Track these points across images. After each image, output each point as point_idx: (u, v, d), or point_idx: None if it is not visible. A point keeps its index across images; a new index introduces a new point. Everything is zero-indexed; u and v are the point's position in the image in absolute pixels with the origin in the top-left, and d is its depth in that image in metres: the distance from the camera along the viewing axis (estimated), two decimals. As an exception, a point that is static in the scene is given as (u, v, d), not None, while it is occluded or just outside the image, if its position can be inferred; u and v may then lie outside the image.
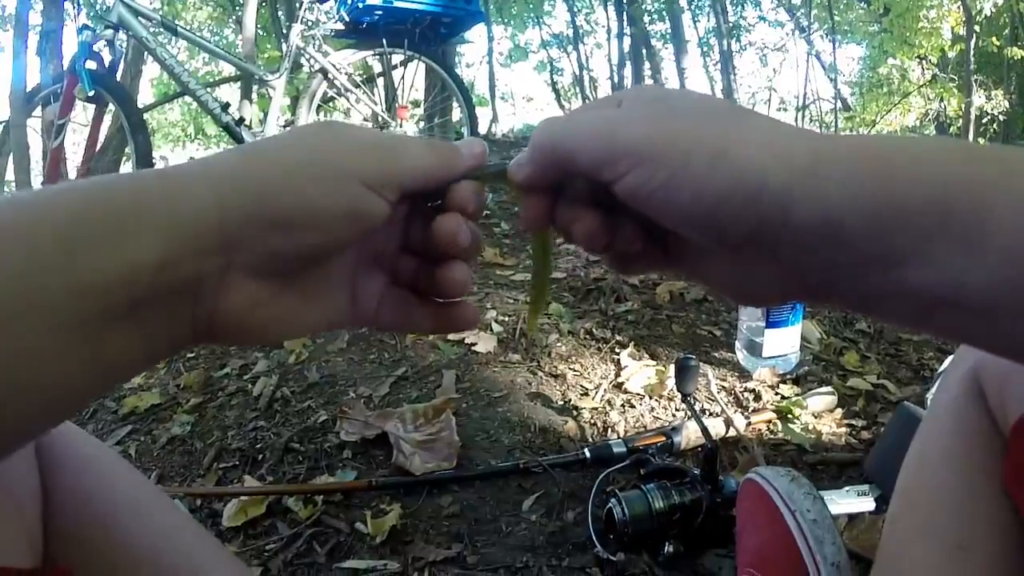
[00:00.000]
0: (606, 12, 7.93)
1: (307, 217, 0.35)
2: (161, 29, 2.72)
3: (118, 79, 2.69)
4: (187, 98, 2.89)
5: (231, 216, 0.33)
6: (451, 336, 1.68)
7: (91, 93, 2.52)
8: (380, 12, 2.82)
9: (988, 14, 6.60)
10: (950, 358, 0.93)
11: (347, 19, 2.87)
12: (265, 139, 0.39)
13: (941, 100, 6.62)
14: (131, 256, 0.31)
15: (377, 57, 2.96)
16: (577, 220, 0.39)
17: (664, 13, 9.06)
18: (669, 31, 8.40)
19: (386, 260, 0.44)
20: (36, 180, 2.61)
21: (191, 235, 0.33)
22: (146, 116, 2.72)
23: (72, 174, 2.70)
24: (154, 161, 2.64)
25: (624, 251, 0.40)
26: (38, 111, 2.76)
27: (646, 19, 8.80)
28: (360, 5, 2.76)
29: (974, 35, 5.96)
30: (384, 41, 2.85)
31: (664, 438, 1.23)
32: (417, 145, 0.39)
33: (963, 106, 5.72)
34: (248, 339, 0.38)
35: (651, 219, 0.36)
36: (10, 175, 2.65)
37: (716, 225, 0.33)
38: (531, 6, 10.78)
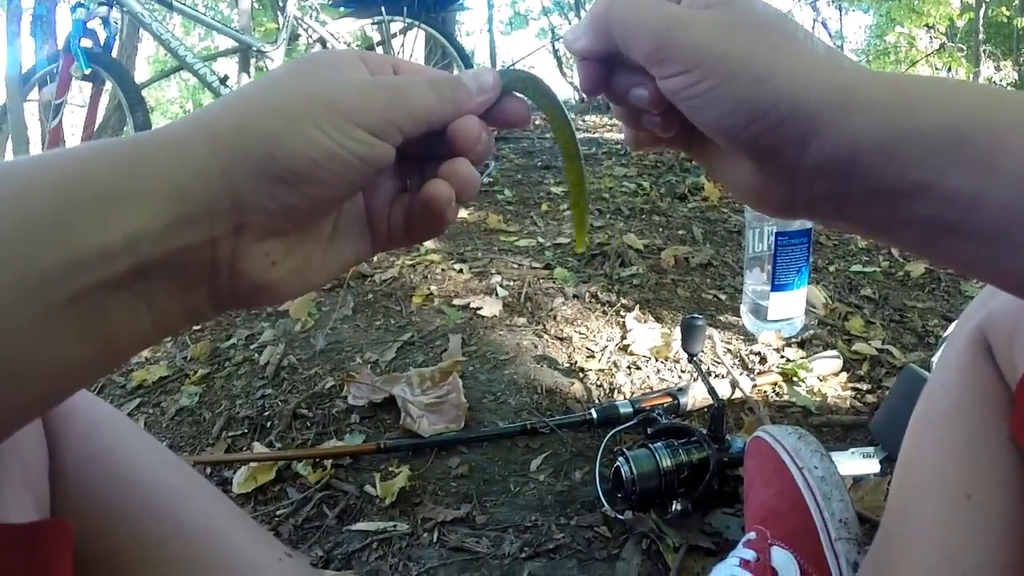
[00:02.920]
0: (606, -21, 7.81)
1: (316, 169, 0.33)
2: (156, 4, 2.69)
3: (114, 56, 2.67)
4: (184, 74, 2.86)
5: (236, 176, 0.32)
6: (456, 301, 1.68)
7: (87, 71, 2.51)
8: (379, -20, 2.78)
9: None
10: (954, 324, 0.92)
11: (345, -12, 2.85)
12: (260, 83, 0.37)
13: (949, 69, 6.56)
14: (129, 225, 0.29)
15: (376, 26, 2.93)
16: (631, 88, 0.40)
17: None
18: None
19: (389, 176, 0.43)
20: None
21: (194, 200, 0.31)
22: (144, 93, 2.69)
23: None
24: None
25: (652, 132, 0.42)
26: (35, 93, 2.74)
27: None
28: (358, -27, 2.73)
29: (983, 4, 5.88)
30: (383, 9, 2.81)
31: (670, 399, 1.23)
32: (421, 86, 0.38)
33: (971, 76, 5.66)
34: (273, 297, 0.37)
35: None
36: (9, 157, 2.63)
37: (743, 138, 0.35)
38: (531, -28, 10.64)
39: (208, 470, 1.16)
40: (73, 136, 2.79)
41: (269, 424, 1.27)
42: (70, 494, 0.54)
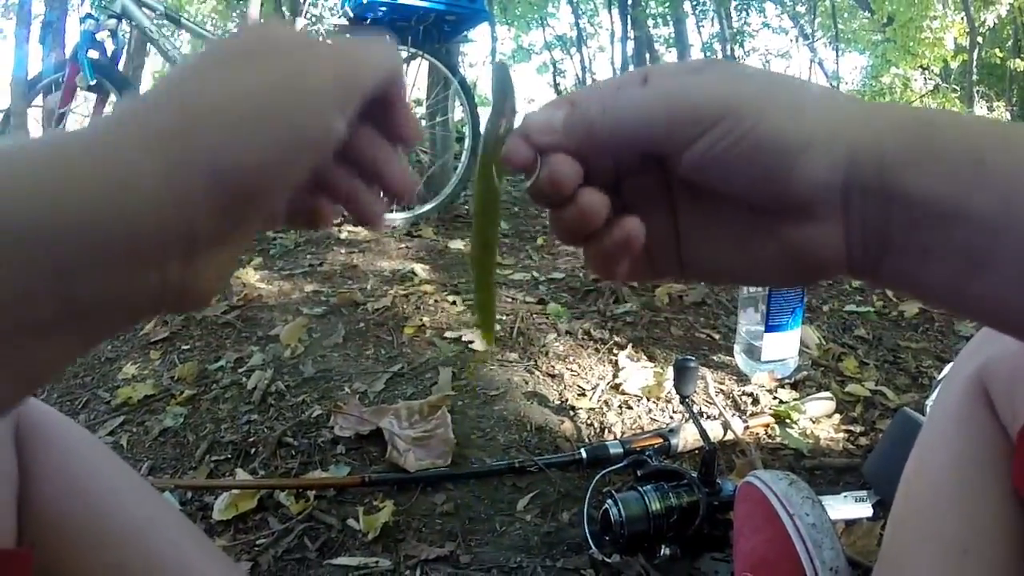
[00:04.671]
0: (610, 15, 7.94)
1: (274, 180, 0.30)
2: (164, 20, 2.70)
3: (120, 69, 2.68)
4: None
5: (187, 200, 0.28)
6: (448, 333, 1.67)
7: (93, 82, 2.51)
8: (384, 8, 2.80)
9: (991, 26, 6.61)
10: (949, 365, 0.92)
11: (351, 15, 2.86)
12: (201, 64, 0.32)
13: None
14: (59, 263, 0.25)
15: (380, 54, 2.95)
16: (590, 198, 0.36)
17: (668, 17, 9.07)
18: (673, 35, 8.40)
19: None
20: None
21: (140, 231, 0.27)
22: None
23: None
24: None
25: (623, 243, 0.36)
26: (39, 99, 2.74)
27: (650, 23, 8.80)
28: (364, 1, 2.75)
29: (977, 46, 5.97)
30: (388, 38, 2.84)
31: (661, 440, 1.22)
32: (368, 44, 0.35)
33: None
34: (202, 301, 0.32)
35: (710, 187, 0.35)
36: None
37: (794, 177, 0.32)
38: (535, 7, 10.79)
39: (189, 495, 1.14)
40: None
41: (253, 451, 1.25)
42: (43, 523, 0.54)
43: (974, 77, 5.87)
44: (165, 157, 0.28)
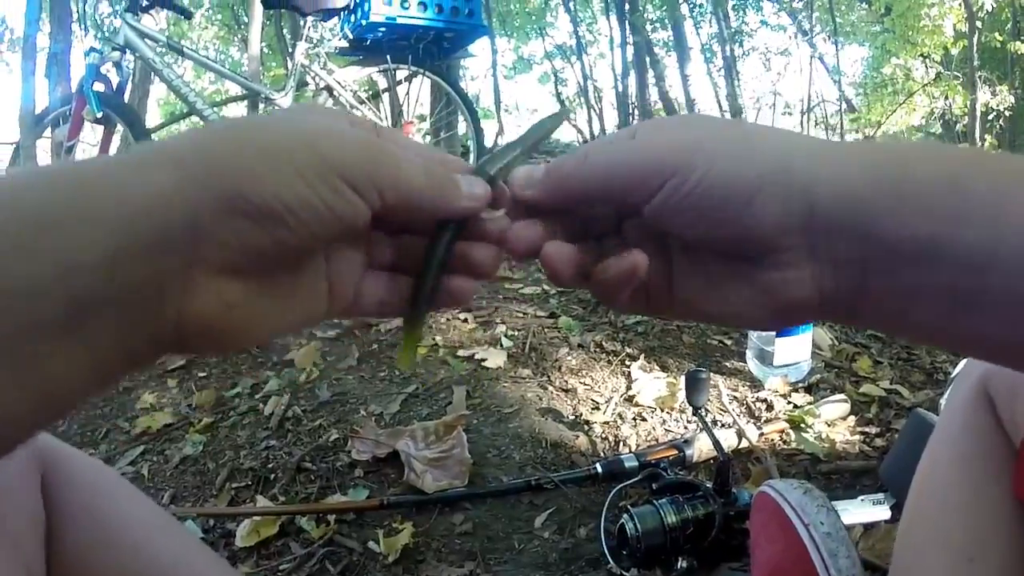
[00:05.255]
0: (608, 22, 7.95)
1: (285, 210, 0.30)
2: (167, 50, 2.74)
3: (126, 100, 2.71)
4: (195, 117, 2.90)
5: (199, 206, 0.29)
6: (461, 351, 1.68)
7: (99, 115, 2.54)
8: (384, 29, 2.83)
9: (990, 10, 6.57)
10: (963, 361, 0.92)
11: (351, 36, 2.89)
12: (240, 118, 0.36)
13: (946, 98, 6.59)
14: (65, 255, 0.26)
15: (382, 73, 2.98)
16: (572, 249, 0.38)
17: (666, 21, 9.09)
18: (672, 39, 8.40)
19: (362, 239, 0.39)
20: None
21: (146, 228, 0.27)
22: (154, 137, 2.73)
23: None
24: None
25: (624, 275, 0.37)
26: (47, 132, 2.78)
27: (648, 28, 8.81)
28: (364, 22, 2.78)
29: (976, 31, 5.93)
30: (388, 57, 2.86)
31: (676, 451, 1.22)
32: (413, 162, 0.35)
33: (968, 103, 5.69)
34: (221, 345, 0.33)
35: (676, 237, 0.37)
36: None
37: (748, 221, 0.33)
38: (534, 18, 10.84)
39: (211, 522, 1.15)
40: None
41: (273, 476, 1.27)
42: (70, 564, 0.55)
43: (975, 62, 5.82)
44: (179, 169, 0.29)
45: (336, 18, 2.98)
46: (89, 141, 2.82)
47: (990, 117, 6.69)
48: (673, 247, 0.39)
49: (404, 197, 0.34)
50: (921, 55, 7.48)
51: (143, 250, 0.28)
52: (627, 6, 7.38)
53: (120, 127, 2.66)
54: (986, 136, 6.07)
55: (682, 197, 0.33)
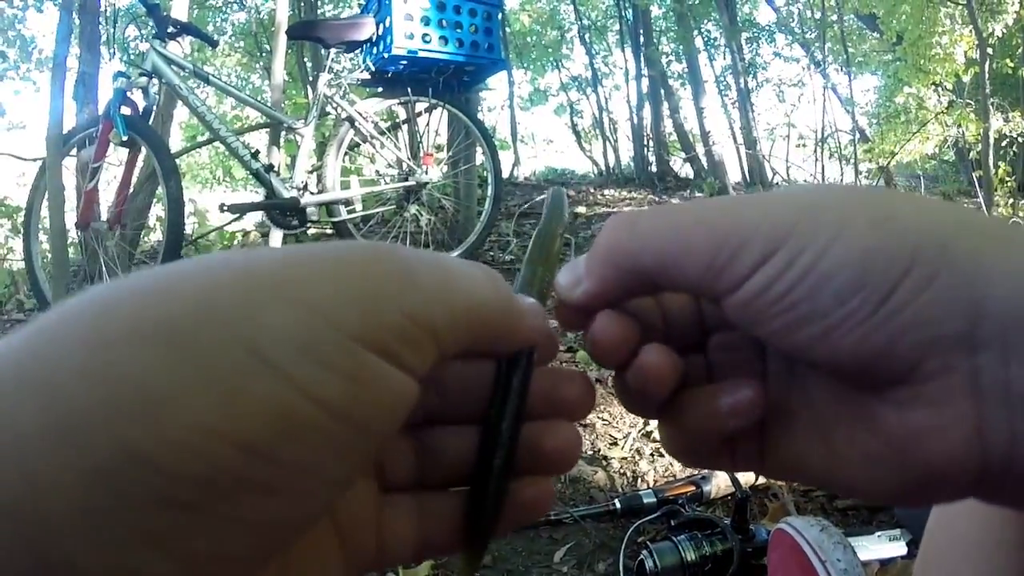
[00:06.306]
0: (623, 54, 8.02)
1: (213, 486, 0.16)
2: (193, 77, 2.79)
3: (151, 123, 2.76)
4: (217, 143, 2.95)
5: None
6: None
7: (125, 138, 2.58)
8: (405, 62, 2.88)
9: (1000, 36, 6.61)
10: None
11: (373, 68, 2.94)
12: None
13: (959, 126, 6.61)
14: None
15: (402, 105, 3.03)
16: (657, 355, 0.27)
17: (681, 54, 9.19)
18: (686, 71, 8.49)
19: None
20: (70, 219, 2.68)
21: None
22: (178, 161, 2.78)
23: (104, 215, 2.77)
24: (185, 204, 2.69)
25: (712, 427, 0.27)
26: (73, 152, 2.83)
27: (663, 60, 8.92)
28: (386, 55, 2.83)
29: (988, 58, 5.96)
30: (409, 90, 2.92)
31: (694, 488, 1.23)
32: (467, 266, 0.24)
33: (981, 131, 5.71)
34: None
35: (775, 346, 0.25)
36: (44, 212, 2.72)
37: (892, 316, 0.22)
38: (550, 50, 10.98)
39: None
40: (107, 194, 2.86)
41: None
42: None
43: (987, 89, 5.85)
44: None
45: (359, 50, 3.04)
46: (114, 162, 2.87)
47: (1003, 144, 6.69)
48: (773, 375, 0.28)
49: (476, 322, 0.23)
50: (933, 83, 7.52)
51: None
52: (642, 39, 7.47)
53: (144, 150, 2.71)
54: (1000, 163, 6.08)
55: (792, 282, 0.23)
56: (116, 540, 0.15)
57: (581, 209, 4.45)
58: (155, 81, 2.71)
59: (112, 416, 0.16)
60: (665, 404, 0.28)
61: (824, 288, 0.22)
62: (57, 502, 0.15)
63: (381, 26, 2.88)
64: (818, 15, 7.06)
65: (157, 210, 3.46)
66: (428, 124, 3.06)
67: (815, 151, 6.32)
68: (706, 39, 9.87)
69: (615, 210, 4.01)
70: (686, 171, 7.45)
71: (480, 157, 3.34)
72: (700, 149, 7.03)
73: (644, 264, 0.25)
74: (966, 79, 6.93)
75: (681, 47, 8.85)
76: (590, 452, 1.42)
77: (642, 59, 7.44)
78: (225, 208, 2.72)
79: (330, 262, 0.20)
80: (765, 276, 0.23)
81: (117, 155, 2.79)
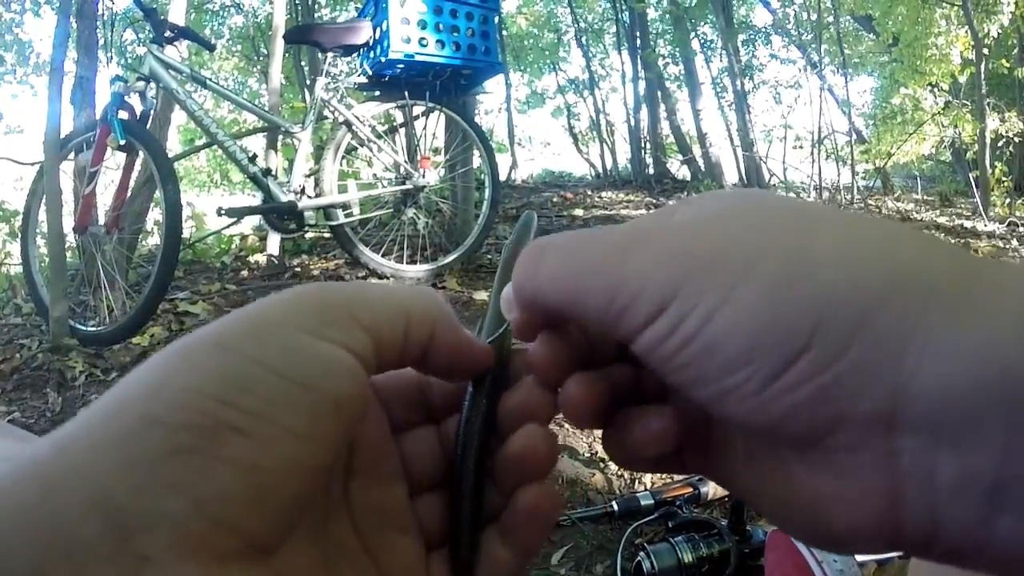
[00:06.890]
0: (620, 57, 8.04)
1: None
2: (190, 81, 2.79)
3: (149, 127, 2.76)
4: (214, 147, 2.95)
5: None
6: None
7: (122, 143, 2.58)
8: (402, 66, 2.89)
9: (995, 36, 6.62)
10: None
11: (370, 72, 2.95)
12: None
13: (955, 126, 6.60)
14: None
15: (399, 108, 3.03)
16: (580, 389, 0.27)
17: (677, 56, 9.22)
18: (683, 73, 8.52)
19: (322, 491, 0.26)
20: (68, 223, 2.67)
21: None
22: (176, 165, 2.78)
23: (102, 219, 2.77)
24: (183, 208, 2.69)
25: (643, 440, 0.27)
26: (71, 156, 2.83)
27: (660, 63, 8.94)
28: (383, 59, 2.84)
29: (983, 58, 5.96)
30: (406, 93, 2.92)
31: (691, 489, 1.23)
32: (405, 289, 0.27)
33: (978, 131, 5.71)
34: None
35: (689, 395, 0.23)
36: (42, 216, 2.71)
37: (803, 380, 0.20)
38: (547, 53, 11.02)
39: None
40: (105, 198, 2.86)
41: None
42: None
43: (983, 89, 5.85)
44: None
45: (356, 54, 3.04)
46: (112, 166, 2.87)
47: (999, 144, 6.70)
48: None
49: (447, 343, 0.26)
50: (929, 84, 7.53)
51: None
52: (638, 42, 7.49)
53: (142, 154, 2.71)
54: (996, 163, 6.09)
55: (680, 344, 0.22)
56: (147, 487, 0.19)
57: (579, 212, 4.45)
58: (152, 85, 2.71)
59: (140, 396, 0.21)
60: (602, 420, 0.28)
61: (711, 356, 0.21)
62: (106, 460, 0.19)
63: (378, 30, 2.89)
64: (814, 17, 7.08)
65: (155, 214, 3.46)
66: (425, 127, 3.07)
67: (812, 152, 6.34)
68: (703, 41, 9.91)
69: (612, 212, 4.01)
70: (683, 173, 7.47)
71: (477, 160, 3.35)
72: (697, 151, 7.05)
73: (548, 305, 0.26)
74: (962, 80, 6.95)
75: (678, 49, 8.89)
76: (588, 454, 1.42)
77: (639, 62, 7.46)
78: (223, 212, 2.73)
79: (288, 292, 0.24)
80: (655, 333, 0.22)
81: (115, 159, 2.78)
